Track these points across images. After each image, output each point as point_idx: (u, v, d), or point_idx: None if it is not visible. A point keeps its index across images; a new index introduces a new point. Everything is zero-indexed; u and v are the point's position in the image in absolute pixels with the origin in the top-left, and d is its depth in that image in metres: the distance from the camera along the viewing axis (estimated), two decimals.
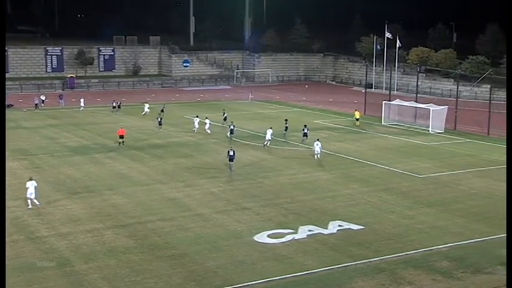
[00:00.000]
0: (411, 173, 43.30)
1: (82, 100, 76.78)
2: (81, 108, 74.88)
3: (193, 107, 76.05)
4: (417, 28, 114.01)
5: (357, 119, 64.24)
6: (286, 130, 56.87)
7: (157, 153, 49.50)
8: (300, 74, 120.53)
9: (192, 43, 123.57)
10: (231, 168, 43.19)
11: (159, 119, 61.24)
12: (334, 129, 61.18)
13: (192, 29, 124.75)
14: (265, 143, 52.04)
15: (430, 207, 34.94)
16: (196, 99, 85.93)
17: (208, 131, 57.76)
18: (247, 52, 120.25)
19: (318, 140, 48.79)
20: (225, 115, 63.14)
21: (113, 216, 32.73)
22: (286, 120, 58.61)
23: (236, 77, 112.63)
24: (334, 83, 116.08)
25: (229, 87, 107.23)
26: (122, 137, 52.51)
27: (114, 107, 73.65)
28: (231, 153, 43.48)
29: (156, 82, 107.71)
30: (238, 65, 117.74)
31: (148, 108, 70.30)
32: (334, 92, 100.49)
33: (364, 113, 70.73)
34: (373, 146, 53.51)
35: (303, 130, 54.88)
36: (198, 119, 59.69)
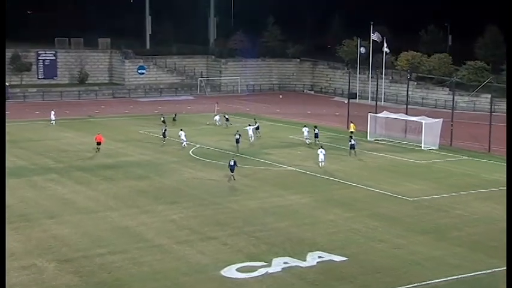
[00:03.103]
0: (401, 195, 43.58)
1: (52, 112, 74.57)
2: (52, 122, 73.54)
3: (150, 121, 75.66)
4: (407, 30, 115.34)
5: (352, 133, 64.59)
6: (316, 137, 61.96)
7: (106, 174, 49.09)
8: (274, 82, 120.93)
9: (148, 47, 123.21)
10: (232, 178, 46.53)
11: (163, 130, 61.29)
12: (312, 145, 61.31)
13: (148, 31, 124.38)
14: (307, 141, 61.65)
15: (424, 235, 35.14)
16: (154, 111, 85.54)
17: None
18: (213, 57, 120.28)
19: (321, 147, 53.13)
20: (257, 124, 66.20)
21: (55, 250, 32.26)
22: (315, 127, 63.45)
23: (200, 86, 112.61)
24: (312, 92, 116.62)
25: (191, 97, 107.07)
26: (99, 143, 56.47)
27: (173, 119, 73.09)
28: (231, 163, 46.71)
29: (106, 92, 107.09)
30: (202, 72, 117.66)
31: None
32: (313, 103, 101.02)
33: (347, 127, 71.07)
34: (357, 165, 53.79)
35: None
36: (183, 133, 60.09)
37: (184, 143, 59.48)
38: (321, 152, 52.06)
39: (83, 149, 58.87)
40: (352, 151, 57.42)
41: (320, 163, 51.84)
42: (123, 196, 42.75)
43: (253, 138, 62.52)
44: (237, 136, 59.73)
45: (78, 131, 69.48)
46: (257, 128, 66.08)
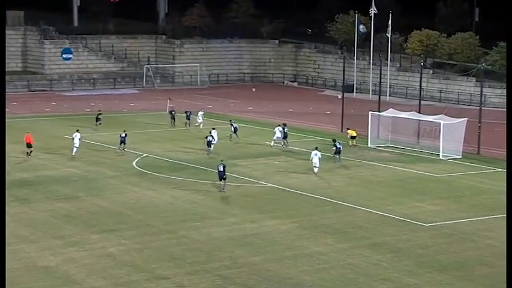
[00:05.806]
0: (413, 219, 43.85)
1: None
2: None
3: (80, 122, 75.31)
4: (420, 2, 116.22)
5: (353, 137, 64.77)
6: (285, 138, 64.61)
7: (20, 194, 48.80)
8: (245, 71, 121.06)
9: (76, 23, 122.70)
10: (223, 189, 48.87)
11: (123, 135, 61.48)
12: (296, 154, 61.57)
13: (77, 2, 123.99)
14: (272, 142, 64.70)
15: (443, 272, 35.38)
16: (85, 109, 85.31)
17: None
18: (163, 38, 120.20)
19: (316, 148, 55.32)
20: (234, 126, 67.48)
21: None
22: (284, 124, 66.24)
23: (146, 76, 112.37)
24: (295, 84, 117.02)
25: (136, 91, 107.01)
26: (29, 145, 59.18)
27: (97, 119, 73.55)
28: (220, 168, 48.75)
29: (18, 83, 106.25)
30: (149, 58, 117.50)
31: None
32: (296, 98, 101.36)
33: (341, 130, 71.42)
34: (354, 180, 54.12)
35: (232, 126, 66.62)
36: (79, 135, 60.33)
37: (76, 149, 59.89)
38: (316, 154, 54.16)
39: None
40: (337, 157, 58.23)
41: (314, 168, 54.15)
42: (43, 223, 42.45)
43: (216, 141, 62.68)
44: (210, 138, 60.54)
45: None
46: (235, 131, 67.22)
